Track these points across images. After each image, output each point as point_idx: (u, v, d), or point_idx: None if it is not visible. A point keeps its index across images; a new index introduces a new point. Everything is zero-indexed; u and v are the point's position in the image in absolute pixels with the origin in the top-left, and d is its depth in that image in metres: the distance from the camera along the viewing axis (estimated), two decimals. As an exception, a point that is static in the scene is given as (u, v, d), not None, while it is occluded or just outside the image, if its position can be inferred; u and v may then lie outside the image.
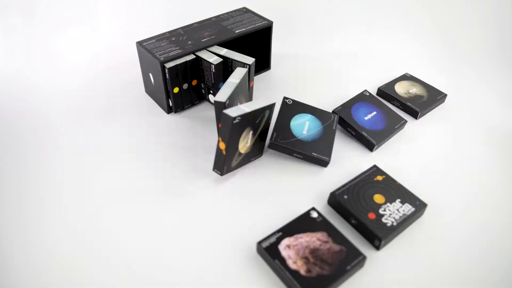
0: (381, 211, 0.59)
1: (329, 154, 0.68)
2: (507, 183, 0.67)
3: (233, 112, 0.58)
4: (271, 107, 0.64)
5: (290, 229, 0.56)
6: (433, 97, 0.83)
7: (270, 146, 0.69)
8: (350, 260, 0.53)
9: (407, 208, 0.59)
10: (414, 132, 0.77)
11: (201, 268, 0.54)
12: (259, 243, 0.55)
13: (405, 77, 0.89)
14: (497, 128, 0.79)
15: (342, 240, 0.55)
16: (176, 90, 0.74)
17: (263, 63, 0.93)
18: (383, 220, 0.58)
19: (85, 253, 0.56)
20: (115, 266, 0.54)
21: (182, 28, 0.82)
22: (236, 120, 0.58)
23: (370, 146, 0.72)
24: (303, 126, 0.71)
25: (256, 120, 0.62)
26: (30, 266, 0.54)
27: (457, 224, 0.61)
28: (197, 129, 0.76)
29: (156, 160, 0.70)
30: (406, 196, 0.61)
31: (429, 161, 0.71)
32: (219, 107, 0.63)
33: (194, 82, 0.76)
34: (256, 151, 0.68)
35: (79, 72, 0.92)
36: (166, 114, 0.79)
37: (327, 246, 0.54)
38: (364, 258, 0.53)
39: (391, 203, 0.60)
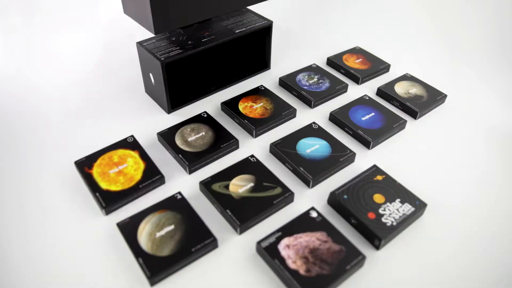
0: (381, 211, 0.59)
1: (316, 174, 0.65)
2: (507, 183, 0.67)
3: None
4: None
5: (289, 229, 0.56)
6: (433, 97, 0.83)
7: (270, 150, 0.71)
8: (350, 260, 0.53)
9: (407, 208, 0.59)
10: (414, 132, 0.77)
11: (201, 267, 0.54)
12: (259, 242, 0.55)
13: (405, 77, 0.89)
14: (497, 128, 0.79)
15: (341, 240, 0.55)
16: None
17: (262, 63, 0.92)
18: (383, 219, 0.58)
19: (85, 253, 0.56)
20: (116, 266, 0.54)
21: (182, 28, 0.82)
22: None
23: (367, 144, 0.72)
24: (311, 147, 0.70)
25: None
26: (30, 266, 0.54)
27: (457, 224, 0.61)
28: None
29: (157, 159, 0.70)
30: (406, 195, 0.61)
31: (429, 161, 0.71)
32: None
33: None
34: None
35: (79, 72, 0.92)
36: (166, 114, 0.79)
37: (327, 245, 0.54)
38: (364, 258, 0.53)
39: (391, 202, 0.60)
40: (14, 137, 0.75)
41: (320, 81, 0.87)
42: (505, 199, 0.65)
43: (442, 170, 0.69)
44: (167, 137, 0.71)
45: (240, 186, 0.63)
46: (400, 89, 0.85)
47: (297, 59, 0.98)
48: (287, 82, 0.86)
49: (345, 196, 0.61)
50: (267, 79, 0.91)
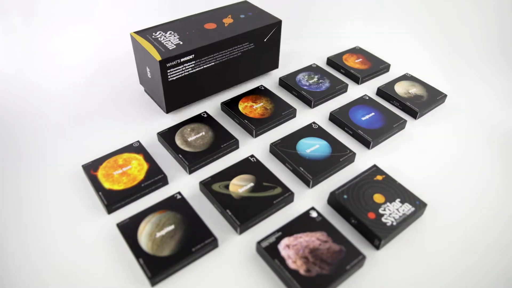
0: (381, 211, 0.59)
1: (316, 174, 0.65)
2: (507, 183, 0.67)
3: None
4: None
5: (289, 229, 0.56)
6: (433, 97, 0.83)
7: (270, 150, 0.71)
8: (350, 260, 0.53)
9: (407, 208, 0.59)
10: (414, 132, 0.77)
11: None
12: (259, 242, 0.55)
13: (405, 77, 0.89)
14: (497, 128, 0.79)
15: (341, 240, 0.55)
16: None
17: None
18: (383, 219, 0.58)
19: (85, 253, 0.56)
20: (116, 266, 0.54)
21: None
22: None
23: (367, 144, 0.73)
24: (311, 147, 0.70)
25: None
26: (30, 266, 0.54)
27: (457, 224, 0.61)
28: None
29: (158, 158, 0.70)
30: (406, 195, 0.61)
31: (429, 161, 0.71)
32: None
33: None
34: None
35: (79, 72, 0.92)
36: (166, 114, 0.79)
37: (327, 245, 0.54)
38: (364, 257, 0.53)
39: (391, 202, 0.60)
40: (14, 137, 0.75)
41: (320, 81, 0.87)
42: (505, 198, 0.65)
43: (442, 170, 0.69)
44: (167, 137, 0.71)
45: (240, 186, 0.63)
46: (400, 89, 0.85)
47: (297, 59, 0.98)
48: (287, 82, 0.86)
49: (345, 196, 0.61)
50: (267, 79, 0.91)
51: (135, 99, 0.84)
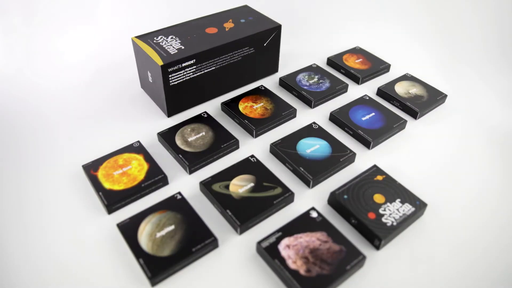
0: (381, 211, 0.59)
1: (316, 174, 0.65)
2: (507, 183, 0.67)
3: None
4: None
5: (289, 229, 0.56)
6: (433, 98, 0.83)
7: (270, 150, 0.71)
8: (350, 260, 0.53)
9: (407, 208, 0.59)
10: (414, 132, 0.77)
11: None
12: (259, 243, 0.55)
13: (405, 77, 0.89)
14: (497, 128, 0.79)
15: (341, 240, 0.55)
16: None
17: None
18: (383, 220, 0.58)
19: (85, 253, 0.56)
20: (117, 266, 0.54)
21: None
22: None
23: (367, 144, 0.73)
24: (311, 147, 0.70)
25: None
26: (30, 266, 0.54)
27: (458, 224, 0.61)
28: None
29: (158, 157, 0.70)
30: (406, 196, 0.61)
31: (429, 161, 0.71)
32: None
33: None
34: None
35: (80, 72, 0.92)
36: (165, 116, 0.79)
37: (327, 246, 0.54)
38: (364, 258, 0.53)
39: (391, 203, 0.60)
40: (14, 137, 0.75)
41: (320, 81, 0.87)
42: (505, 198, 0.65)
43: (442, 170, 0.69)
44: (167, 137, 0.71)
45: (240, 186, 0.63)
46: (400, 89, 0.85)
47: (297, 59, 0.98)
48: (287, 82, 0.86)
49: (345, 196, 0.61)
50: (267, 79, 0.91)
51: (135, 99, 0.84)
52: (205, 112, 0.77)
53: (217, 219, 0.60)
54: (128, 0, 1.08)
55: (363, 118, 0.77)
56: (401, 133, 0.77)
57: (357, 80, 0.90)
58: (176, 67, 0.72)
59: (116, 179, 0.63)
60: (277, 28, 0.83)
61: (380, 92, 0.86)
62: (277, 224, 0.60)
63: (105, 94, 0.85)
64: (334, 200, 0.61)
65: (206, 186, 0.62)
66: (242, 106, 0.79)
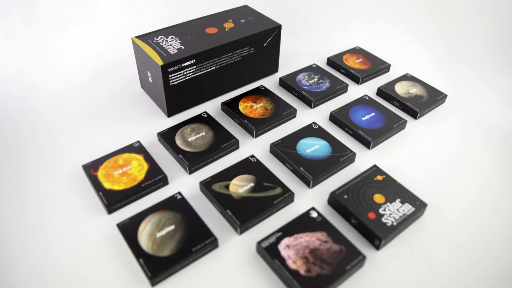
0: (381, 211, 0.59)
1: (316, 174, 0.65)
2: (507, 183, 0.67)
3: None
4: None
5: (289, 229, 0.56)
6: (433, 98, 0.83)
7: (270, 150, 0.71)
8: (350, 260, 0.53)
9: (407, 208, 0.59)
10: (414, 132, 0.77)
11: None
12: (259, 243, 0.55)
13: (405, 77, 0.89)
14: (497, 128, 0.79)
15: (341, 240, 0.55)
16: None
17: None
18: (383, 220, 0.58)
19: (85, 253, 0.56)
20: (117, 266, 0.54)
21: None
22: None
23: (367, 144, 0.73)
24: (311, 147, 0.70)
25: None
26: (30, 266, 0.54)
27: (458, 224, 0.61)
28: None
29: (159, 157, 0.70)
30: (406, 196, 0.61)
31: (429, 161, 0.71)
32: None
33: None
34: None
35: (80, 72, 0.92)
36: (165, 116, 0.79)
37: (327, 246, 0.54)
38: (364, 258, 0.53)
39: (391, 203, 0.60)
40: (14, 137, 0.75)
41: (320, 81, 0.87)
42: (505, 198, 0.65)
43: (442, 170, 0.69)
44: (167, 137, 0.71)
45: (240, 186, 0.63)
46: (400, 89, 0.85)
47: (297, 59, 0.98)
48: (287, 82, 0.86)
49: (345, 196, 0.61)
50: (267, 79, 0.91)
51: (135, 99, 0.84)
52: (205, 112, 0.77)
53: (217, 219, 0.60)
54: (128, 0, 1.08)
55: (363, 118, 0.77)
56: (401, 133, 0.77)
57: (357, 80, 0.90)
58: (176, 67, 0.72)
59: (116, 179, 0.63)
60: (277, 28, 0.83)
61: (380, 92, 0.86)
62: (277, 224, 0.60)
63: (105, 94, 0.85)
64: (334, 200, 0.61)
65: (206, 186, 0.62)
66: (242, 106, 0.79)
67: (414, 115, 0.80)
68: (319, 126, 0.74)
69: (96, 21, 1.04)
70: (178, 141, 0.70)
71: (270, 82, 0.89)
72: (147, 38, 0.77)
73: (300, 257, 0.53)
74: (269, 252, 0.53)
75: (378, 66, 0.93)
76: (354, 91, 0.88)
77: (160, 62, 0.70)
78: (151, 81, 0.78)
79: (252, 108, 0.78)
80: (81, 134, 0.75)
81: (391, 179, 0.64)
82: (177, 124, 0.74)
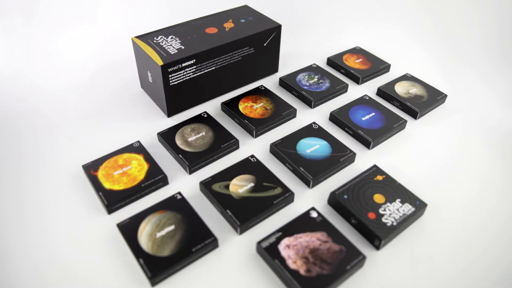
0: (381, 211, 0.59)
1: (316, 174, 0.65)
2: (507, 183, 0.67)
3: None
4: None
5: (289, 229, 0.56)
6: (433, 98, 0.83)
7: (270, 150, 0.71)
8: (350, 260, 0.53)
9: (407, 208, 0.59)
10: (414, 132, 0.77)
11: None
12: (259, 243, 0.55)
13: (405, 77, 0.89)
14: (497, 128, 0.79)
15: (341, 240, 0.55)
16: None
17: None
18: (383, 220, 0.58)
19: (85, 253, 0.56)
20: (117, 266, 0.54)
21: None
22: None
23: (367, 144, 0.73)
24: (311, 147, 0.70)
25: None
26: (30, 266, 0.54)
27: (458, 224, 0.61)
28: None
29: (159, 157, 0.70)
30: (406, 196, 0.61)
31: (429, 161, 0.71)
32: None
33: None
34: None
35: (80, 72, 0.92)
36: (165, 116, 0.79)
37: (327, 246, 0.54)
38: (364, 258, 0.53)
39: (391, 203, 0.60)
40: (14, 137, 0.75)
41: (320, 81, 0.87)
42: (505, 198, 0.65)
43: (442, 170, 0.69)
44: (167, 137, 0.71)
45: (240, 186, 0.63)
46: (400, 89, 0.85)
47: (297, 59, 0.98)
48: (287, 82, 0.86)
49: (345, 196, 0.61)
50: (267, 79, 0.91)
51: (135, 99, 0.84)
52: (205, 112, 0.77)
53: (217, 219, 0.60)
54: (128, 0, 1.08)
55: (363, 118, 0.77)
56: (401, 133, 0.77)
57: (357, 80, 0.90)
58: (176, 67, 0.72)
59: (116, 179, 0.63)
60: (277, 28, 0.83)
61: (380, 92, 0.86)
62: (277, 224, 0.60)
63: (105, 94, 0.85)
64: (334, 200, 0.61)
65: (206, 186, 0.63)
66: (242, 106, 0.79)
67: (414, 115, 0.80)
68: (319, 126, 0.74)
69: (96, 21, 1.04)
70: (178, 141, 0.70)
71: (270, 82, 0.89)
72: (147, 38, 0.77)
73: (300, 257, 0.53)
74: (269, 252, 0.53)
75: (378, 66, 0.93)
76: (354, 91, 0.88)
77: (160, 62, 0.70)
78: (151, 81, 0.78)
79: (252, 108, 0.78)
80: (81, 134, 0.75)
81: (391, 179, 0.64)
82: (177, 124, 0.74)
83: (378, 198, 0.61)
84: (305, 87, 0.85)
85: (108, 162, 0.66)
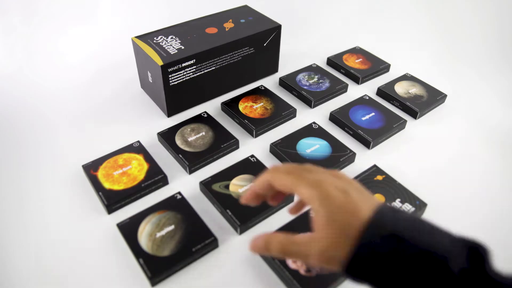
0: (381, 211, 0.59)
1: None
2: (507, 183, 0.67)
3: None
4: None
5: (290, 229, 0.56)
6: (433, 97, 0.83)
7: (270, 150, 0.71)
8: (350, 260, 0.53)
9: (407, 208, 0.59)
10: (414, 132, 0.77)
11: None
12: (259, 242, 0.55)
13: (405, 77, 0.89)
14: (497, 128, 0.79)
15: (342, 240, 0.55)
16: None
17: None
18: (383, 220, 0.57)
19: (85, 253, 0.56)
20: (117, 266, 0.54)
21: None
22: None
23: (367, 144, 0.73)
24: (311, 146, 0.70)
25: None
26: (30, 266, 0.54)
27: (458, 224, 0.61)
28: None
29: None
30: (406, 195, 0.61)
31: (429, 161, 0.71)
32: None
33: None
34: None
35: (80, 72, 0.92)
36: (165, 116, 0.79)
37: (327, 245, 0.54)
38: (364, 257, 0.53)
39: (391, 202, 0.60)
40: (14, 137, 0.75)
41: (320, 81, 0.87)
42: (505, 198, 0.65)
43: (442, 170, 0.69)
44: (167, 137, 0.71)
45: (240, 186, 0.63)
46: (400, 89, 0.85)
47: (297, 59, 0.98)
48: (287, 82, 0.86)
49: (345, 196, 0.61)
50: (267, 79, 0.91)
51: (135, 99, 0.84)
52: (205, 112, 0.77)
53: (217, 219, 0.60)
54: (128, 0, 1.08)
55: (363, 118, 0.77)
56: (401, 133, 0.77)
57: (357, 80, 0.90)
58: (176, 67, 0.72)
59: (116, 179, 0.63)
60: (277, 28, 0.83)
61: (380, 92, 0.86)
62: (277, 224, 0.60)
63: (105, 94, 0.85)
64: (334, 200, 0.61)
65: (206, 186, 0.63)
66: (242, 106, 0.79)
67: (414, 115, 0.80)
68: (319, 126, 0.74)
69: (96, 21, 1.04)
70: (178, 141, 0.70)
71: (270, 82, 0.89)
72: (147, 38, 0.77)
73: (300, 257, 0.53)
74: (269, 252, 0.53)
75: (378, 66, 0.93)
76: (354, 91, 0.88)
77: (160, 62, 0.70)
78: (151, 81, 0.78)
79: (252, 108, 0.78)
80: (81, 134, 0.75)
81: (391, 179, 0.64)
82: (177, 124, 0.74)
83: (378, 198, 0.61)
84: (305, 87, 0.85)
85: (108, 162, 0.66)
